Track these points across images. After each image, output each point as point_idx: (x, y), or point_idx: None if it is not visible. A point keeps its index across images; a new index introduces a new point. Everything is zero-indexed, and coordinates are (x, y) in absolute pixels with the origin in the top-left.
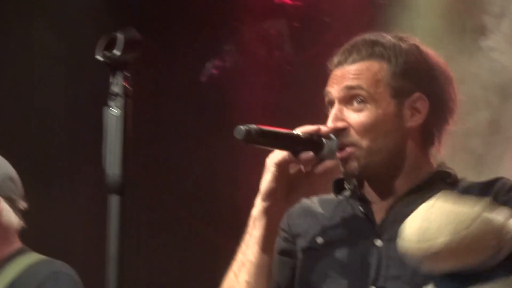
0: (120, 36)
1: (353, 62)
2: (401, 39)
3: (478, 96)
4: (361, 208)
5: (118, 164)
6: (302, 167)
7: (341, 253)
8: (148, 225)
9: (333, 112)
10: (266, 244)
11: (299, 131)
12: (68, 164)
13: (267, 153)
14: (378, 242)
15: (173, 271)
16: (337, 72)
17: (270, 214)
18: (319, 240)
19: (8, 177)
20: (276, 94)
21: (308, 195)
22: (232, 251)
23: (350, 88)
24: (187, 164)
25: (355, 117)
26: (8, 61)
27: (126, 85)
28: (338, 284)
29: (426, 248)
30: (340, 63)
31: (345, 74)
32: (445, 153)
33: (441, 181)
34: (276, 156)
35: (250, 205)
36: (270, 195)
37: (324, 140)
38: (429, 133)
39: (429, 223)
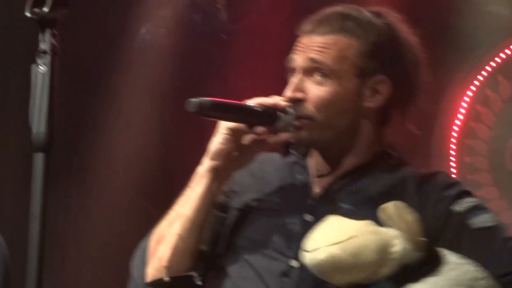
0: None
1: (323, 34)
2: (378, 15)
3: None
4: (301, 178)
5: (44, 122)
6: (255, 137)
7: (270, 221)
8: (76, 187)
9: (293, 80)
10: (206, 202)
11: (254, 102)
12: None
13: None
14: (308, 217)
15: (101, 235)
16: (304, 40)
17: (215, 174)
18: (254, 203)
19: None
20: (211, 62)
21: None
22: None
23: (314, 61)
24: (119, 128)
25: (315, 90)
26: None
27: (54, 42)
28: (260, 253)
29: (313, 256)
30: (309, 32)
31: (312, 45)
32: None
33: (382, 162)
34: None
35: (182, 171)
36: (218, 156)
37: (280, 113)
38: (387, 114)
39: (317, 234)
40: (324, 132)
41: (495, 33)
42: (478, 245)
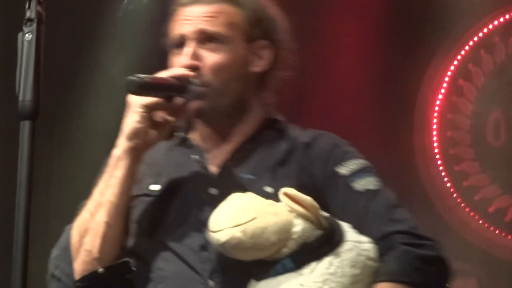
0: None
1: (207, 3)
2: None
3: None
4: (194, 157)
5: (30, 90)
6: (166, 115)
7: (176, 202)
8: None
9: (188, 50)
10: (128, 185)
11: (166, 75)
12: None
13: None
14: (214, 191)
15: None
16: (190, 11)
17: (134, 155)
18: (154, 187)
19: None
20: None
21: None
22: None
23: (207, 31)
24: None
25: (211, 57)
26: None
27: (40, 10)
28: (174, 232)
29: (217, 238)
30: (194, 2)
31: (201, 14)
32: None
33: (271, 128)
34: (148, 99)
35: None
36: (136, 135)
37: (188, 83)
38: (267, 80)
39: (220, 214)
40: (221, 99)
41: (478, 7)
42: (360, 207)
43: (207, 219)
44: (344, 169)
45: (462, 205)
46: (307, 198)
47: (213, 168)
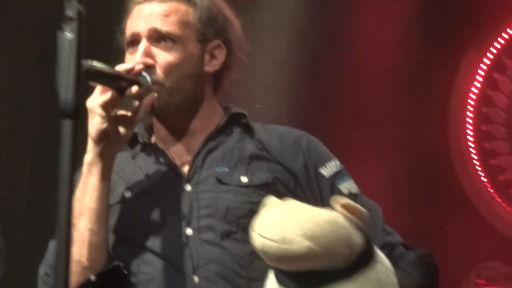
0: None
1: (162, 1)
2: None
3: None
4: (161, 159)
5: (71, 88)
6: (123, 112)
7: (151, 204)
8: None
9: (141, 48)
10: (105, 189)
11: (117, 68)
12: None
13: None
14: (188, 187)
15: None
16: (144, 9)
17: (105, 157)
18: (127, 194)
19: None
20: None
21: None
22: None
23: (159, 30)
24: None
25: (163, 56)
26: None
27: (81, 9)
28: (154, 232)
29: (286, 251)
30: (146, 0)
31: (154, 12)
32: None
33: (236, 123)
34: (99, 98)
35: None
36: (102, 137)
37: (139, 77)
38: (221, 79)
39: (290, 224)
40: (173, 96)
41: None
42: None
43: (185, 216)
44: (327, 171)
45: (498, 199)
46: (364, 211)
47: (182, 166)
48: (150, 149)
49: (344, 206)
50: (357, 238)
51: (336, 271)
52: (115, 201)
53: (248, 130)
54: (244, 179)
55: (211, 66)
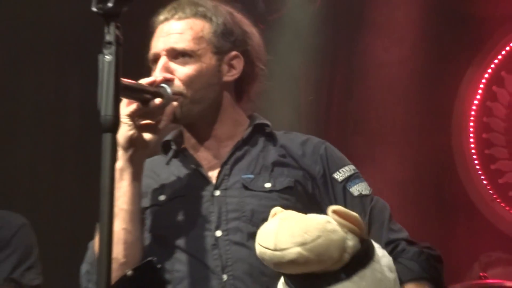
0: None
1: (179, 19)
2: (217, 5)
3: None
4: (192, 165)
5: (111, 106)
6: (148, 121)
7: (183, 207)
8: None
9: (160, 64)
10: (136, 191)
11: (139, 82)
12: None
13: None
14: (217, 193)
15: None
16: (163, 28)
17: (134, 162)
18: (161, 197)
19: None
20: None
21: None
22: None
23: (176, 48)
24: None
25: (181, 69)
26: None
27: (118, 34)
28: (187, 233)
29: (281, 256)
30: (166, 19)
31: (171, 30)
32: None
33: (260, 133)
34: (126, 109)
35: None
36: (131, 144)
37: (160, 89)
38: (241, 89)
39: (281, 231)
40: (194, 105)
41: (509, 20)
42: (357, 211)
43: (214, 220)
44: (340, 175)
45: (498, 200)
46: (355, 215)
47: (211, 172)
48: (182, 155)
49: (335, 212)
50: (350, 240)
51: (334, 272)
52: (151, 203)
53: (271, 138)
54: (268, 185)
55: (230, 76)
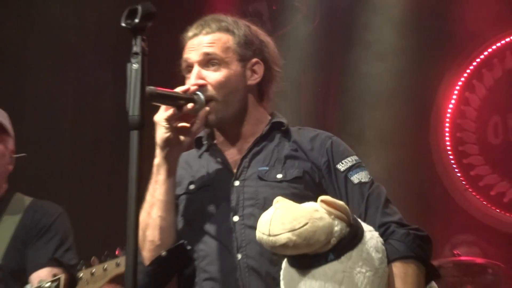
0: (139, 8)
1: (207, 33)
2: (237, 19)
3: None
4: (219, 159)
5: (137, 107)
6: (183, 124)
7: (208, 195)
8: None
9: (194, 72)
10: (170, 184)
11: (174, 90)
12: (94, 109)
13: None
14: (236, 183)
15: None
16: (194, 42)
17: (170, 160)
18: (191, 186)
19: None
20: None
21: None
22: None
23: (207, 54)
24: None
25: (213, 75)
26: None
27: (144, 46)
28: (210, 218)
29: (274, 241)
30: (195, 35)
31: (201, 43)
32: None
33: (277, 130)
34: (164, 114)
35: None
36: (167, 144)
37: (194, 95)
38: (262, 90)
39: (274, 219)
40: (226, 109)
41: (480, 35)
42: (356, 196)
43: (233, 207)
44: (342, 166)
45: (470, 190)
46: (341, 203)
47: (233, 165)
48: (211, 150)
49: (323, 201)
50: (336, 226)
51: (324, 254)
52: (182, 192)
53: (286, 134)
54: (279, 176)
55: (253, 80)
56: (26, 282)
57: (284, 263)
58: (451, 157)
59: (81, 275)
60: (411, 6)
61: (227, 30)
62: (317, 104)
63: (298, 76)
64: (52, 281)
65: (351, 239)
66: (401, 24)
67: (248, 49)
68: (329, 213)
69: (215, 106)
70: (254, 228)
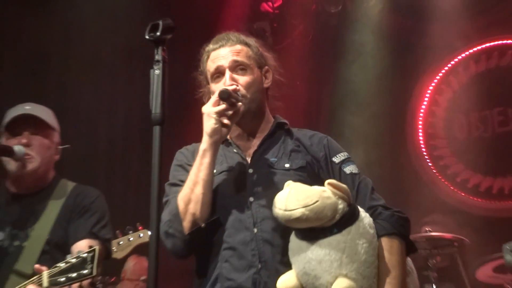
0: (160, 23)
1: (231, 45)
2: (246, 36)
3: None
4: (235, 150)
5: (159, 106)
6: (228, 116)
7: (228, 179)
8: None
9: (227, 76)
10: (212, 167)
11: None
12: (124, 107)
13: None
14: (250, 170)
15: None
16: (221, 52)
17: (214, 146)
18: (214, 171)
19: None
20: None
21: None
22: None
23: (236, 61)
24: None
25: (242, 78)
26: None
27: (164, 55)
28: (229, 198)
29: (289, 215)
30: (222, 46)
31: (229, 52)
32: None
33: (281, 129)
34: (216, 108)
35: None
36: (215, 133)
37: (237, 93)
38: (268, 94)
39: (290, 197)
40: (252, 103)
41: (447, 48)
42: (349, 184)
43: (249, 189)
44: (337, 159)
45: (439, 177)
46: (344, 186)
47: (247, 156)
48: (227, 143)
49: (330, 184)
50: (340, 205)
51: (329, 227)
52: None
53: (289, 133)
54: (287, 165)
55: (266, 84)
56: (68, 253)
57: (292, 236)
58: (423, 149)
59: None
60: (390, 24)
61: (245, 43)
62: (311, 112)
63: (294, 82)
64: (89, 252)
65: (351, 216)
66: (381, 39)
67: (261, 59)
68: (334, 194)
69: (245, 101)
70: (267, 207)
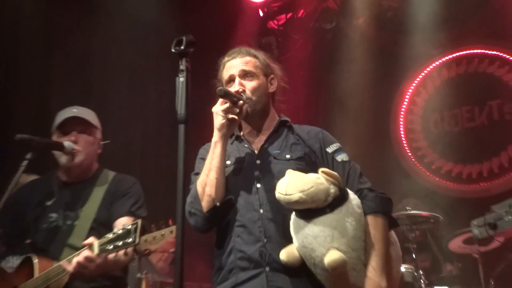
0: (184, 39)
1: (242, 57)
2: (255, 49)
3: None
4: (245, 145)
5: (183, 107)
6: (234, 113)
7: (239, 169)
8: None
9: (237, 81)
10: (223, 156)
11: (232, 90)
12: (155, 108)
13: None
14: (258, 161)
15: None
16: (233, 62)
17: (223, 138)
18: (228, 162)
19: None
20: None
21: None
22: None
23: (244, 70)
24: None
25: (249, 84)
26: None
27: (187, 65)
28: (240, 184)
29: (289, 199)
30: (234, 57)
31: (239, 63)
32: None
33: (284, 126)
34: (222, 106)
35: None
36: (223, 127)
37: (242, 95)
38: (274, 98)
39: (289, 183)
40: (256, 105)
41: (424, 56)
42: (340, 171)
43: (257, 177)
44: (330, 149)
45: (418, 165)
46: (335, 174)
47: (256, 149)
48: (240, 138)
49: (323, 172)
50: (332, 189)
51: (323, 208)
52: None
53: (290, 129)
54: (288, 156)
55: (271, 89)
56: (111, 229)
57: (293, 216)
58: (404, 142)
59: (145, 238)
60: (375, 37)
61: (254, 55)
62: (310, 112)
63: (296, 89)
64: (133, 224)
65: (341, 198)
66: (368, 50)
67: (268, 68)
68: (327, 180)
69: (251, 102)
70: (271, 191)
